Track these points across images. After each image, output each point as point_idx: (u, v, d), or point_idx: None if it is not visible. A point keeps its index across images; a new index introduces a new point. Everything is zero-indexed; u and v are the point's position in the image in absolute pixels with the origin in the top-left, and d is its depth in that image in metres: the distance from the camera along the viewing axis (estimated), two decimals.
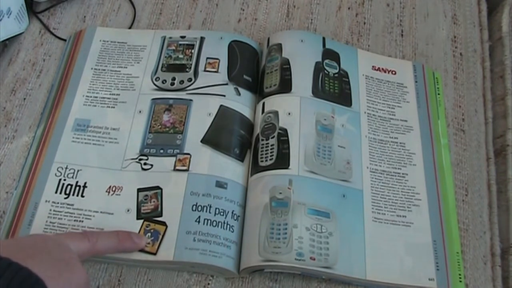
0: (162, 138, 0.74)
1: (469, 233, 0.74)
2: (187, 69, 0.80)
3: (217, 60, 0.80)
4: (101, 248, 0.62)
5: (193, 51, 0.82)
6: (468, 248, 0.73)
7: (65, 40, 0.86)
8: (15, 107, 0.80)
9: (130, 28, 0.87)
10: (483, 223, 0.76)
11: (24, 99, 0.81)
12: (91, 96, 0.79)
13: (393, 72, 0.83)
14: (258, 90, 0.79)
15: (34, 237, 0.57)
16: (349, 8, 0.91)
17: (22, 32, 0.86)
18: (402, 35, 0.89)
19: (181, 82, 0.79)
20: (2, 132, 0.78)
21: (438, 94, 0.82)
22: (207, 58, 0.81)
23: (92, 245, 0.61)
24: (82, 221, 0.69)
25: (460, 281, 0.68)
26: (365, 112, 0.78)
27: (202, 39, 0.83)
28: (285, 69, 0.77)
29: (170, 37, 0.84)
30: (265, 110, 0.75)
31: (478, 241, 0.74)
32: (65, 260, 0.54)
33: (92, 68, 0.81)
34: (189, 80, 0.79)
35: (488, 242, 0.76)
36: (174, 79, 0.79)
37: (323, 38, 0.82)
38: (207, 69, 0.80)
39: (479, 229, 0.75)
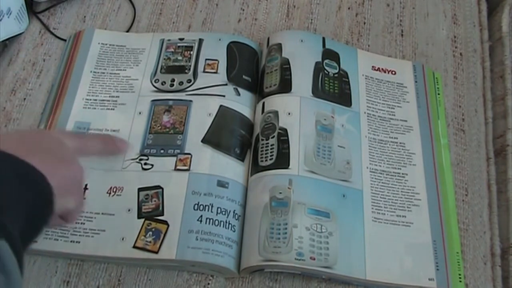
0: (163, 138, 0.74)
1: (469, 233, 0.75)
2: (186, 70, 0.80)
3: (216, 61, 0.80)
4: (90, 148, 0.66)
5: (192, 52, 0.82)
6: (468, 248, 0.73)
7: (65, 40, 0.86)
8: (15, 107, 0.80)
9: (130, 28, 0.87)
10: (483, 223, 0.76)
11: (24, 99, 0.81)
12: (90, 99, 0.79)
13: (393, 72, 0.83)
14: (258, 90, 0.79)
15: (35, 132, 0.61)
16: (349, 8, 0.91)
17: (22, 32, 0.86)
18: (402, 35, 0.89)
19: (181, 83, 0.79)
20: (2, 132, 0.78)
21: (438, 94, 0.82)
22: (206, 59, 0.81)
23: (83, 145, 0.64)
24: (84, 223, 0.69)
25: (460, 281, 0.68)
26: (365, 112, 0.78)
27: (200, 40, 0.83)
28: (285, 69, 0.77)
29: (169, 39, 0.84)
30: (265, 110, 0.75)
31: (478, 241, 0.74)
32: (64, 156, 0.57)
33: (91, 71, 0.81)
34: (189, 81, 0.79)
35: (488, 242, 0.76)
36: (173, 80, 0.79)
37: (323, 38, 0.82)
38: (206, 70, 0.80)
39: (479, 229, 0.75)
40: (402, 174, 0.74)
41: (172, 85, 0.79)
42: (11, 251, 0.42)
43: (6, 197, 0.45)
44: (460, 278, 0.68)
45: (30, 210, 0.48)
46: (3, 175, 0.46)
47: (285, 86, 0.76)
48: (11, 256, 0.42)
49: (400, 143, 0.77)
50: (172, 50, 0.83)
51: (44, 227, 0.52)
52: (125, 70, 0.81)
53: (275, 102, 0.75)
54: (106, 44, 0.84)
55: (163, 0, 0.90)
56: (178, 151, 0.73)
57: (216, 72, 0.79)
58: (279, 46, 0.80)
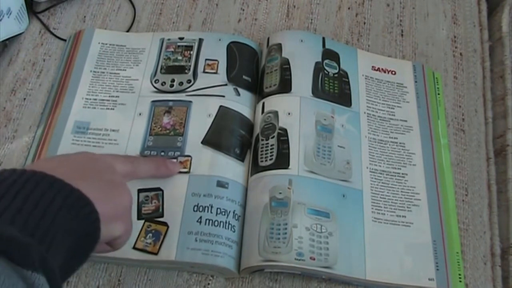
0: (163, 140, 0.75)
1: (469, 233, 0.75)
2: (186, 71, 0.80)
3: (216, 61, 0.80)
4: (141, 173, 0.66)
5: (192, 52, 0.82)
6: (468, 248, 0.73)
7: (65, 40, 0.86)
8: (15, 107, 0.80)
9: (130, 28, 0.87)
10: (483, 223, 0.76)
11: (24, 99, 0.81)
12: (90, 99, 0.79)
13: (393, 72, 0.83)
14: (258, 90, 0.79)
15: (84, 155, 0.58)
16: (349, 8, 0.91)
17: (22, 32, 0.86)
18: (402, 35, 0.89)
19: (180, 83, 0.79)
20: (2, 132, 0.78)
21: (438, 94, 0.82)
22: (206, 59, 0.81)
23: (134, 169, 0.64)
24: None
25: (460, 281, 0.68)
26: (364, 112, 0.78)
27: (200, 40, 0.83)
28: (285, 69, 0.77)
29: (169, 39, 0.84)
30: (265, 110, 0.75)
31: (478, 241, 0.75)
32: (113, 182, 0.55)
33: (91, 71, 0.81)
34: (188, 81, 0.79)
35: (488, 242, 0.76)
36: (173, 80, 0.79)
37: (323, 38, 0.82)
38: (206, 70, 0.80)
39: (479, 229, 0.75)
40: (402, 174, 0.74)
41: (172, 85, 0.79)
42: (49, 285, 0.41)
43: (52, 226, 0.43)
44: (460, 278, 0.68)
45: (75, 239, 0.47)
46: (50, 202, 0.44)
47: (285, 86, 0.76)
48: None
49: (400, 143, 0.77)
50: (172, 49, 0.83)
51: (89, 255, 0.50)
52: (125, 70, 0.81)
53: (275, 102, 0.75)
54: (106, 44, 0.84)
55: (163, 0, 0.90)
56: (178, 153, 0.73)
57: (216, 73, 0.79)
58: (279, 46, 0.80)
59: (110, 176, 0.57)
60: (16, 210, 0.42)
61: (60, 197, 0.45)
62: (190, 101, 0.77)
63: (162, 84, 0.79)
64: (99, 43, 0.84)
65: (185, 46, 0.83)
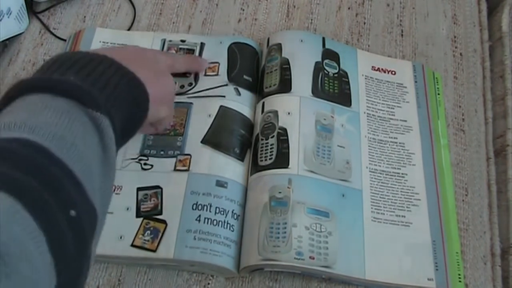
0: (163, 140, 0.75)
1: (469, 233, 0.75)
2: (187, 74, 0.80)
3: (217, 64, 0.80)
4: (178, 66, 0.74)
5: None
6: (468, 248, 0.73)
7: (65, 40, 0.86)
8: None
9: (130, 28, 0.87)
10: (483, 223, 0.76)
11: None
12: None
13: (393, 72, 0.83)
14: (258, 90, 0.79)
15: (133, 48, 0.68)
16: (349, 8, 0.91)
17: (22, 32, 0.87)
18: (402, 35, 0.89)
19: (182, 86, 0.79)
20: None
21: (438, 94, 0.82)
22: (208, 63, 0.81)
23: (173, 63, 0.71)
24: None
25: (460, 281, 0.68)
26: (364, 112, 0.78)
27: (202, 44, 0.83)
28: (285, 69, 0.77)
29: (170, 40, 0.84)
30: (265, 109, 0.75)
31: (478, 241, 0.75)
32: (159, 71, 0.64)
33: None
34: (190, 84, 0.79)
35: (488, 242, 0.76)
36: (174, 83, 0.79)
37: (323, 38, 0.82)
38: (207, 73, 0.80)
39: (479, 229, 0.75)
40: (402, 174, 0.74)
41: None
42: (112, 128, 0.48)
43: (113, 95, 0.50)
44: (459, 278, 0.68)
45: (131, 108, 0.53)
46: (112, 77, 0.50)
47: (285, 86, 0.76)
48: (111, 132, 0.48)
49: (399, 143, 0.76)
50: (174, 52, 0.82)
51: (138, 129, 0.57)
52: None
53: (275, 102, 0.75)
54: (107, 43, 0.84)
55: (163, 0, 0.90)
56: (178, 152, 0.73)
57: (217, 74, 0.79)
58: (279, 46, 0.80)
59: (156, 65, 0.65)
60: (85, 75, 0.49)
61: (120, 73, 0.52)
62: (191, 103, 0.77)
63: None
64: (100, 41, 0.84)
65: (187, 49, 0.83)
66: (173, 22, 0.88)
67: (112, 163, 0.49)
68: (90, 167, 0.44)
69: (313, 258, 0.64)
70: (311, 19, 0.89)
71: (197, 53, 0.82)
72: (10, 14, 0.81)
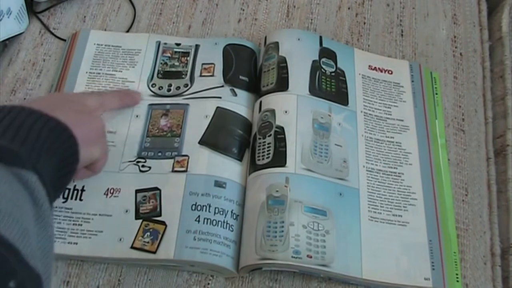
0: (160, 141, 0.75)
1: (469, 233, 0.74)
2: (183, 76, 0.80)
3: (212, 65, 0.81)
4: (108, 104, 0.72)
5: (188, 58, 0.82)
6: (468, 248, 0.73)
7: (65, 40, 0.86)
8: None
9: (130, 28, 0.88)
10: (483, 223, 0.76)
11: (24, 99, 0.81)
12: None
13: (390, 72, 0.83)
14: (256, 89, 0.79)
15: (55, 94, 0.68)
16: (349, 8, 0.91)
17: (22, 32, 0.87)
18: (402, 35, 0.89)
19: (178, 88, 0.79)
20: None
21: (436, 94, 0.82)
22: (203, 64, 0.81)
23: (102, 102, 0.69)
24: (81, 225, 0.69)
25: (457, 281, 0.68)
26: (361, 111, 0.78)
27: (197, 46, 0.83)
28: (282, 67, 0.77)
29: (165, 43, 0.84)
30: (262, 108, 0.75)
31: (478, 241, 0.74)
32: (85, 111, 0.63)
33: (87, 72, 0.81)
34: (186, 85, 0.79)
35: (488, 242, 0.75)
36: (170, 85, 0.80)
37: (320, 37, 0.82)
38: (203, 74, 0.80)
39: (479, 229, 0.75)
40: (399, 173, 0.74)
41: (169, 90, 0.79)
42: (41, 182, 0.46)
43: (37, 147, 0.48)
44: (457, 277, 0.68)
45: (59, 159, 0.51)
46: (33, 127, 0.49)
47: (282, 84, 0.76)
48: (41, 187, 0.46)
49: (396, 142, 0.76)
50: (169, 55, 0.83)
51: (72, 175, 0.56)
52: (121, 71, 0.82)
53: (272, 100, 0.75)
54: (101, 45, 0.84)
55: (163, 0, 0.91)
56: (176, 153, 0.73)
57: (212, 75, 0.80)
58: (276, 45, 0.80)
59: (82, 107, 0.63)
60: (3, 128, 0.47)
61: (41, 121, 0.50)
62: (187, 104, 0.77)
63: (159, 89, 0.79)
64: (94, 44, 0.84)
65: (182, 52, 0.83)
66: (173, 22, 0.89)
67: (47, 219, 0.46)
68: (25, 228, 0.41)
69: (311, 257, 0.64)
70: (311, 19, 0.89)
71: (192, 55, 0.83)
72: (10, 14, 0.81)
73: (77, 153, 0.55)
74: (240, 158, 0.73)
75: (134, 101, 0.77)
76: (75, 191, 0.71)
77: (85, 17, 0.89)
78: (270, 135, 0.72)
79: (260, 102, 0.76)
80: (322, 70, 0.78)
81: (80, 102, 0.64)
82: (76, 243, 0.67)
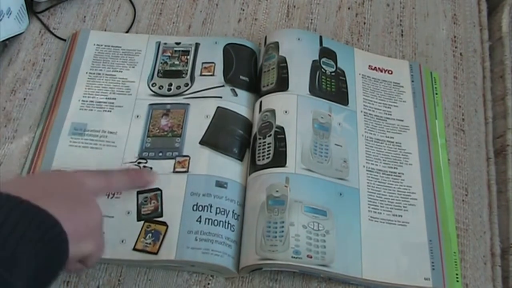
0: (161, 142, 0.75)
1: (469, 233, 0.74)
2: (183, 75, 0.80)
3: (213, 64, 0.81)
4: (116, 185, 0.66)
5: (188, 57, 0.82)
6: (468, 248, 0.73)
7: (65, 40, 0.86)
8: (15, 107, 0.80)
9: (130, 28, 0.88)
10: (483, 223, 0.76)
11: (24, 99, 0.81)
12: (87, 101, 0.79)
13: (390, 72, 0.83)
14: (257, 89, 0.79)
15: (51, 174, 0.58)
16: (349, 8, 0.91)
17: (22, 32, 0.87)
18: (402, 35, 0.89)
19: (178, 87, 0.79)
20: (2, 132, 0.78)
21: (436, 94, 0.82)
22: (203, 63, 0.81)
23: (108, 183, 0.64)
24: None
25: (457, 281, 0.68)
26: (361, 111, 0.78)
27: (197, 45, 0.83)
28: (282, 67, 0.77)
29: (165, 43, 0.84)
30: (262, 108, 0.75)
31: (478, 241, 0.74)
32: (81, 199, 0.55)
33: (87, 72, 0.82)
34: (186, 85, 0.79)
35: (488, 242, 0.75)
36: (170, 84, 0.80)
37: (320, 37, 0.82)
38: (203, 73, 0.80)
39: (479, 229, 0.75)
40: (399, 173, 0.74)
41: (169, 89, 0.79)
42: None
43: (17, 248, 0.43)
44: (457, 277, 0.68)
45: (43, 261, 0.46)
46: (15, 224, 0.43)
47: (282, 84, 0.76)
48: None
49: (396, 142, 0.76)
50: (169, 54, 0.83)
51: (58, 274, 0.49)
52: (121, 71, 0.82)
53: (272, 100, 0.75)
54: (101, 45, 0.84)
55: (163, 0, 0.91)
56: (177, 153, 0.73)
57: (213, 75, 0.80)
58: (276, 45, 0.80)
59: (79, 193, 0.56)
60: None
61: (26, 219, 0.44)
62: (188, 104, 0.77)
63: (159, 88, 0.79)
64: (94, 44, 0.84)
65: (182, 51, 0.83)
66: (173, 22, 0.89)
67: None
68: None
69: (311, 257, 0.64)
70: (311, 19, 0.89)
71: (192, 54, 0.83)
72: (10, 14, 0.81)
73: (65, 251, 0.48)
74: (241, 158, 0.73)
75: (146, 184, 0.71)
76: None
77: (85, 17, 0.89)
78: (270, 135, 0.72)
79: (260, 102, 0.76)
80: (322, 70, 0.79)
81: (78, 184, 0.58)
82: None
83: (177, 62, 0.82)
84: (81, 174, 0.60)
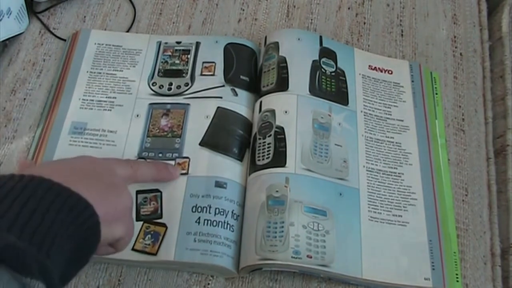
0: (161, 142, 0.75)
1: (469, 233, 0.74)
2: (183, 74, 0.80)
3: (213, 64, 0.81)
4: (141, 176, 0.66)
5: (189, 56, 0.82)
6: (468, 248, 0.73)
7: (65, 40, 0.86)
8: (15, 107, 0.80)
9: (130, 28, 0.88)
10: (483, 223, 0.76)
11: (24, 99, 0.81)
12: (87, 100, 0.79)
13: (390, 72, 0.83)
14: (257, 89, 0.79)
15: (83, 159, 0.58)
16: (349, 8, 0.91)
17: (22, 32, 0.87)
18: (402, 35, 0.89)
19: (178, 87, 0.79)
20: (2, 132, 0.78)
21: (436, 94, 0.82)
22: (203, 62, 0.81)
23: (134, 172, 0.64)
24: None
25: (457, 281, 0.68)
26: (361, 111, 0.78)
27: (197, 44, 0.83)
28: (282, 67, 0.77)
29: (166, 42, 0.84)
30: (262, 108, 0.75)
31: (478, 241, 0.74)
32: (113, 184, 0.56)
33: (87, 71, 0.82)
34: (186, 84, 0.79)
35: (488, 242, 0.75)
36: (171, 84, 0.80)
37: (320, 37, 0.82)
38: (203, 73, 0.80)
39: (479, 229, 0.75)
40: (399, 173, 0.74)
41: (170, 89, 0.79)
42: None
43: (50, 232, 0.43)
44: (457, 277, 0.68)
45: (76, 243, 0.46)
46: (48, 208, 0.44)
47: (282, 84, 0.76)
48: None
49: (396, 142, 0.76)
50: (170, 53, 0.83)
51: (90, 258, 0.50)
52: (122, 71, 0.82)
53: (272, 100, 0.75)
54: (102, 44, 0.84)
55: (163, 0, 0.91)
56: (176, 154, 0.73)
57: (213, 75, 0.80)
58: (276, 45, 0.80)
59: (110, 178, 0.57)
60: (14, 217, 0.42)
61: (59, 201, 0.45)
62: (188, 104, 0.77)
63: (159, 87, 0.79)
64: (95, 43, 0.85)
65: (183, 50, 0.83)
66: (173, 22, 0.89)
67: None
68: None
69: (311, 257, 0.64)
70: (311, 19, 0.89)
71: (192, 53, 0.83)
72: (10, 14, 0.81)
73: (98, 233, 0.49)
74: (240, 158, 0.73)
75: (171, 177, 0.72)
76: None
77: (85, 17, 0.89)
78: (270, 135, 0.72)
79: (260, 102, 0.76)
80: (322, 70, 0.78)
81: (108, 172, 0.58)
82: None
83: (177, 61, 0.82)
84: (111, 161, 0.62)
